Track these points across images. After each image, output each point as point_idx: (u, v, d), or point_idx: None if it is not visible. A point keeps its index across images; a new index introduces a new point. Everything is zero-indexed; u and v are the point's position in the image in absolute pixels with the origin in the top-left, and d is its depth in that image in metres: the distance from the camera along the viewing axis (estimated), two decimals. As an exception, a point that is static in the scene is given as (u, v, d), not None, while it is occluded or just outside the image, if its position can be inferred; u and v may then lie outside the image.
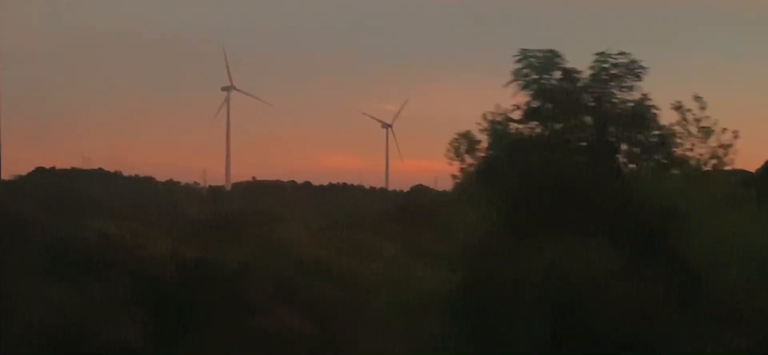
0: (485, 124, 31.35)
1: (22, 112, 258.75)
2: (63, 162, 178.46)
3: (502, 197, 29.13)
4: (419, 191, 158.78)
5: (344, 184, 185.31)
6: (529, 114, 30.43)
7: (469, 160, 31.58)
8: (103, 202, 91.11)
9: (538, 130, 30.32)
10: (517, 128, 30.51)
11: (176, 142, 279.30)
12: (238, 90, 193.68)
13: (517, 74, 30.98)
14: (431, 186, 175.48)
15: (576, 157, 29.50)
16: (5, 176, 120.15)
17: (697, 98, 31.96)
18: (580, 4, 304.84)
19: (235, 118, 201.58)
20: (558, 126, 30.28)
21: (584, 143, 30.08)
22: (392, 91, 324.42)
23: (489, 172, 30.08)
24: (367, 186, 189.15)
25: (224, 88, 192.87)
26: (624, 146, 30.80)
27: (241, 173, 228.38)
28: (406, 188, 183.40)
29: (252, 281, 57.89)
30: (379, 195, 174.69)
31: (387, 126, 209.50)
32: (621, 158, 30.76)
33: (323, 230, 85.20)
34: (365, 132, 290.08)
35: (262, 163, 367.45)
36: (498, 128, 30.74)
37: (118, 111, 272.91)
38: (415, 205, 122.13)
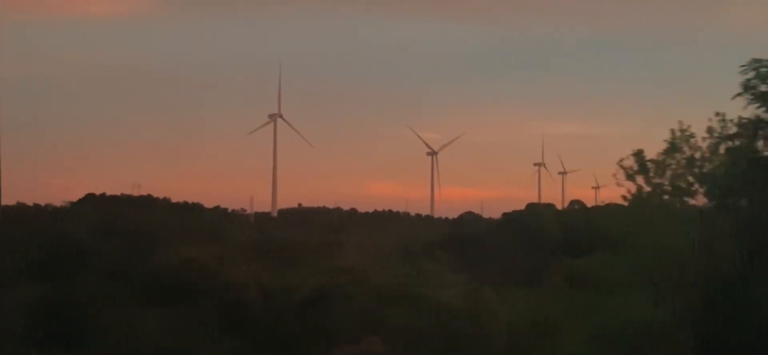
0: (669, 141, 30.03)
1: (72, 139, 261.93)
2: (112, 188, 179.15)
3: (747, 221, 27.75)
4: (469, 218, 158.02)
5: (390, 211, 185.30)
6: (762, 128, 28.72)
7: (640, 180, 30.39)
8: (158, 229, 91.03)
9: None
10: (751, 146, 28.80)
11: (221, 168, 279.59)
12: (283, 119, 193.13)
13: (746, 85, 29.07)
14: (477, 212, 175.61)
15: None
16: (58, 203, 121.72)
17: None
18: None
19: (281, 144, 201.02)
20: None
21: None
22: (434, 120, 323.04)
23: (726, 193, 28.56)
24: (412, 213, 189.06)
25: (271, 116, 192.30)
26: None
27: (286, 200, 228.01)
28: (446, 215, 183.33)
29: (331, 308, 57.39)
30: (426, 222, 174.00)
31: (433, 153, 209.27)
32: None
33: (385, 257, 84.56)
34: (408, 160, 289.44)
35: (306, 190, 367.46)
36: (728, 147, 29.10)
37: (165, 138, 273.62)
38: (466, 232, 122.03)
